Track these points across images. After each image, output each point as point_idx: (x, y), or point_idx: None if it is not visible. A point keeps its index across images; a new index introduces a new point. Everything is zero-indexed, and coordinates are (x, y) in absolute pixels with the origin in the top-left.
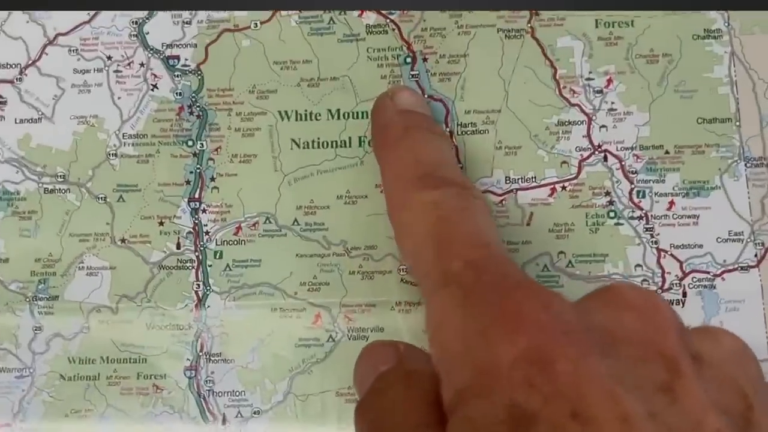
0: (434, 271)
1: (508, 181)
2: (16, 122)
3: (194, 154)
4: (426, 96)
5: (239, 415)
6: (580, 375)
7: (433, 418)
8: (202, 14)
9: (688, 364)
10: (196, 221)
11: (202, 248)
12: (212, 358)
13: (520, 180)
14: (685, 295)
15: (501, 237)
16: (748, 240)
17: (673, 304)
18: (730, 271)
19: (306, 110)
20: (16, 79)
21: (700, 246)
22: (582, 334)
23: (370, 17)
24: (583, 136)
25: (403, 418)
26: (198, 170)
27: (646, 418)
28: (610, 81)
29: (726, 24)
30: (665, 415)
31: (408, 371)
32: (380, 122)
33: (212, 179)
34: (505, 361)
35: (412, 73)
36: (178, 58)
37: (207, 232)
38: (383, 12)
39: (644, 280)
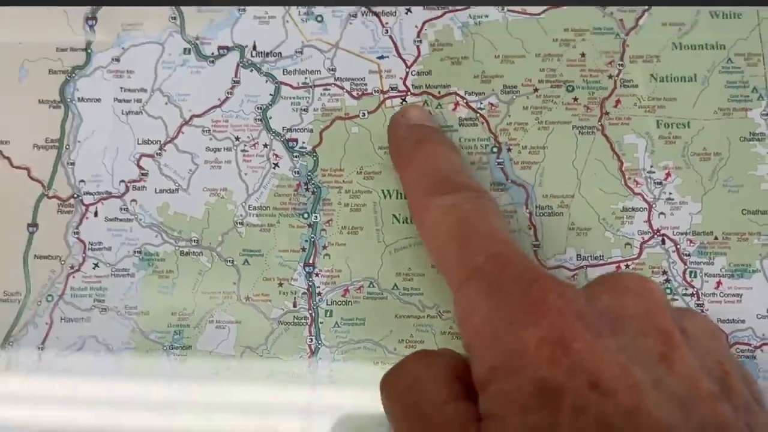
0: (458, 265)
1: (579, 258)
2: (156, 192)
3: (309, 225)
4: (509, 181)
5: None
6: (595, 351)
7: (453, 393)
8: (317, 103)
9: (679, 336)
10: (310, 283)
11: (314, 307)
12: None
13: (589, 257)
14: None
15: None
16: None
17: None
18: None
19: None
20: (156, 153)
21: (743, 321)
22: (593, 317)
23: (463, 111)
24: (644, 222)
25: (428, 394)
26: (312, 239)
27: (652, 385)
28: (668, 174)
29: None
30: (666, 381)
31: (426, 352)
32: (395, 137)
33: (324, 247)
34: (531, 344)
35: (497, 160)
36: (296, 140)
37: (319, 293)
38: (473, 106)
39: None
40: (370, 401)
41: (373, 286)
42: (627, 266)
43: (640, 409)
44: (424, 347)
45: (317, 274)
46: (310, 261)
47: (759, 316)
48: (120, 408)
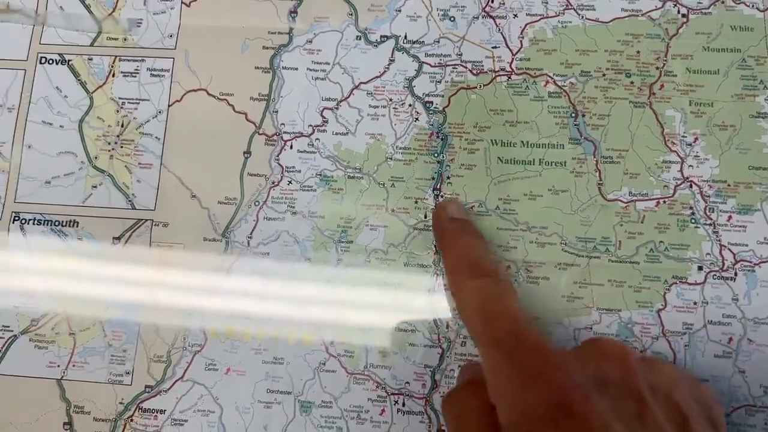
0: (483, 335)
1: (631, 194)
2: (333, 134)
3: (438, 162)
4: (583, 138)
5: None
6: (588, 412)
7: (490, 424)
8: (448, 77)
9: (648, 396)
10: (437, 202)
11: None
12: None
13: (638, 194)
14: (736, 274)
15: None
16: None
17: (727, 280)
18: (765, 262)
19: (508, 140)
20: (335, 108)
21: (746, 245)
22: (585, 384)
23: (551, 87)
24: (678, 171)
25: (474, 422)
26: (440, 171)
27: None
28: (696, 139)
29: None
30: None
31: (475, 382)
32: (438, 227)
33: (448, 177)
34: (541, 406)
35: (575, 123)
36: (432, 102)
37: None
38: (558, 84)
39: (711, 263)
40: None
41: (482, 207)
42: (664, 202)
43: None
44: (516, 252)
45: (443, 196)
46: (438, 187)
47: (758, 242)
48: (302, 283)
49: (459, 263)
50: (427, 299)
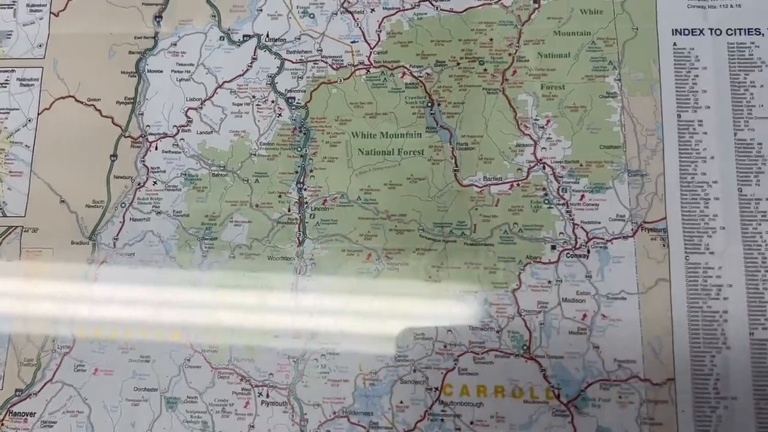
0: None
1: (485, 179)
2: (197, 133)
3: (301, 156)
4: (439, 126)
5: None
6: None
7: None
8: (309, 73)
9: None
10: (300, 195)
11: (303, 212)
12: (305, 278)
13: (492, 179)
14: (588, 251)
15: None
16: (627, 220)
17: (580, 258)
18: (616, 238)
19: (368, 132)
20: (198, 107)
21: (599, 222)
22: None
23: (408, 78)
24: (531, 154)
25: None
26: (303, 165)
27: None
28: (548, 121)
29: (620, 89)
30: None
31: None
32: None
33: (311, 171)
34: None
35: (431, 112)
36: (294, 98)
37: (306, 202)
38: (415, 75)
39: (564, 241)
40: (339, 277)
41: (344, 198)
42: (518, 184)
43: None
44: (377, 240)
45: (305, 189)
46: (301, 180)
47: (610, 219)
48: (168, 285)
49: None
50: (291, 295)
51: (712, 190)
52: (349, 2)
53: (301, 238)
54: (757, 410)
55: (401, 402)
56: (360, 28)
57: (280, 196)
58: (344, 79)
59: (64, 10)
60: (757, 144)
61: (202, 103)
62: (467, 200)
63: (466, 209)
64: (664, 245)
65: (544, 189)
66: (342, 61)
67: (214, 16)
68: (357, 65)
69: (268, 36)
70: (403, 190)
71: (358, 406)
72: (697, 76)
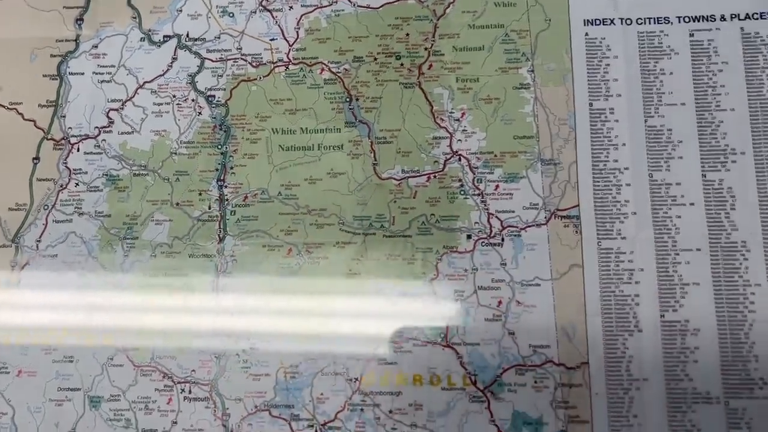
0: None
1: (403, 172)
2: (119, 134)
3: (222, 153)
4: (357, 120)
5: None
6: None
7: None
8: (229, 71)
9: None
10: (221, 193)
11: (223, 209)
12: (226, 275)
13: (410, 171)
14: (503, 240)
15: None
16: (541, 208)
17: (495, 246)
18: (530, 227)
19: (288, 128)
20: (120, 108)
21: (513, 211)
22: None
23: (327, 74)
24: (447, 146)
25: None
26: (223, 163)
27: None
28: (463, 114)
29: (533, 80)
30: None
31: None
32: None
33: (231, 168)
34: None
35: (350, 107)
36: (214, 96)
37: (227, 199)
38: (333, 70)
39: (479, 231)
40: (258, 273)
41: (265, 194)
42: (435, 176)
43: None
44: (297, 235)
45: (226, 186)
46: (222, 177)
47: (524, 207)
48: (90, 286)
49: None
50: (212, 293)
51: (623, 176)
52: (267, 1)
53: (221, 235)
54: (668, 390)
55: (321, 394)
56: (279, 25)
57: (200, 194)
58: (264, 77)
59: None
60: (667, 130)
61: (123, 104)
62: (386, 193)
63: (385, 202)
64: (576, 232)
65: (460, 180)
66: (261, 58)
67: (135, 17)
68: (276, 62)
69: (188, 36)
70: (324, 185)
71: (279, 399)
72: (608, 65)
